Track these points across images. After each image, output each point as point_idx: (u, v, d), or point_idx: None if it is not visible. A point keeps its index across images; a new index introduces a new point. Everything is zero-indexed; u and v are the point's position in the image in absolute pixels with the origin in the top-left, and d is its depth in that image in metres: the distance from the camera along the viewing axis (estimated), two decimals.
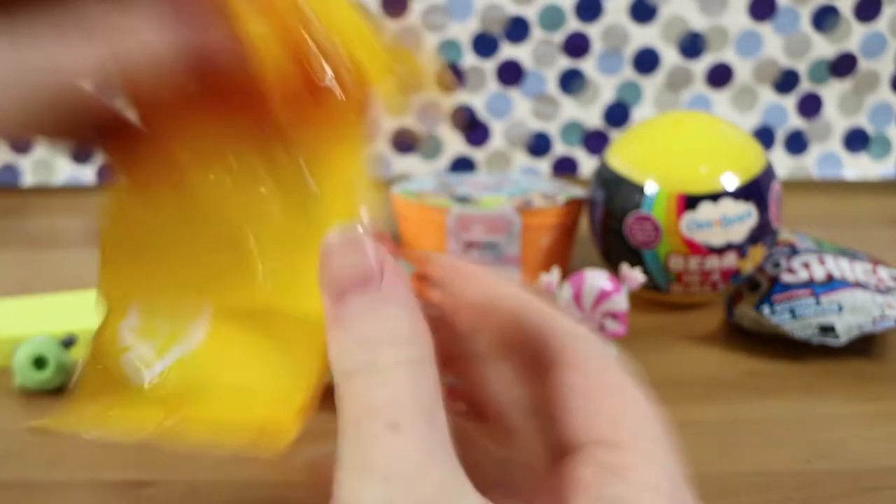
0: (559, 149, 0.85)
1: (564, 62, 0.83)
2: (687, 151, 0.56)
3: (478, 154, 0.85)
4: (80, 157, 0.83)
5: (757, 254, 0.55)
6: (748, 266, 0.55)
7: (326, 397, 0.19)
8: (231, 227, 0.21)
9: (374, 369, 0.18)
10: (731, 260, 0.54)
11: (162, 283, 0.21)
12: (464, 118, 0.83)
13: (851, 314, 0.51)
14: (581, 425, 0.20)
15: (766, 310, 0.52)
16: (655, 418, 0.20)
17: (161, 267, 0.21)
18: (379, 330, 0.18)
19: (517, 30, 0.82)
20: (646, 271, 0.55)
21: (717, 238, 0.54)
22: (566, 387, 0.20)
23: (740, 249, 0.54)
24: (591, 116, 0.84)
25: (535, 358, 0.21)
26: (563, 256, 0.61)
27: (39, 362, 0.47)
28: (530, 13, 0.81)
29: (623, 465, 0.19)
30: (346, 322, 0.18)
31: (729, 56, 0.83)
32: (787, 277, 0.54)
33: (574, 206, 0.61)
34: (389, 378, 0.17)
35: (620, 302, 0.51)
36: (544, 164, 0.86)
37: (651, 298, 0.57)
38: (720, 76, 0.83)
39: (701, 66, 0.83)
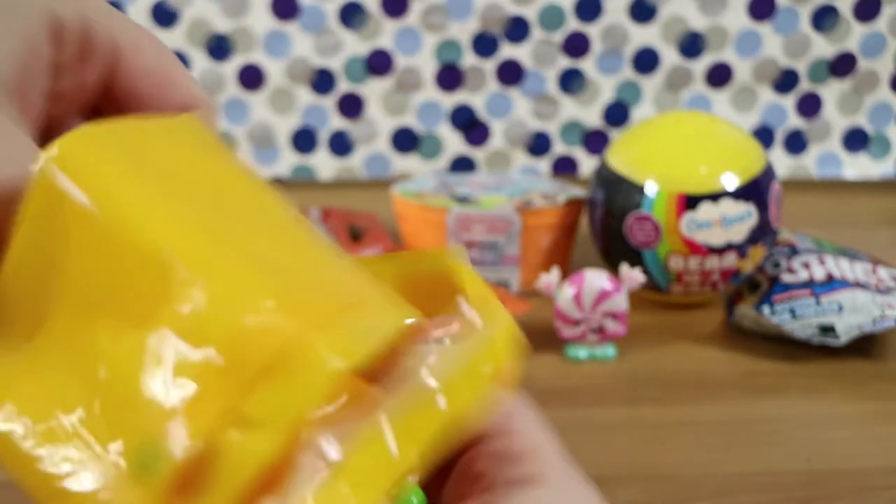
0: (559, 149, 0.85)
1: (564, 62, 0.83)
2: (687, 151, 0.56)
3: (478, 154, 0.85)
4: None
5: (757, 254, 0.55)
6: (748, 266, 0.55)
7: None
8: None
9: None
10: (731, 260, 0.54)
11: None
12: None
13: (851, 314, 0.51)
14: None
15: (766, 310, 0.52)
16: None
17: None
18: None
19: (517, 30, 0.82)
20: (646, 271, 0.55)
21: (717, 238, 0.54)
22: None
23: (740, 249, 0.54)
24: (591, 116, 0.84)
25: None
26: (563, 256, 0.61)
27: None
28: (530, 13, 0.81)
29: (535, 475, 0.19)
30: None
31: (728, 56, 0.83)
32: (787, 277, 0.54)
33: (574, 206, 0.61)
34: None
35: (620, 302, 0.51)
36: (544, 164, 0.86)
37: (651, 298, 0.57)
38: (720, 76, 0.83)
39: (700, 65, 0.83)
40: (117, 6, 0.79)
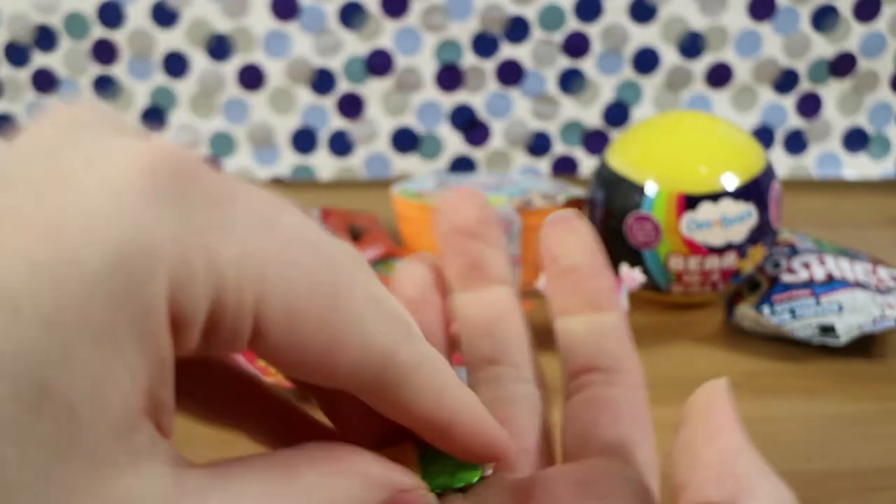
0: (559, 149, 0.85)
1: (564, 62, 0.83)
2: (687, 151, 0.56)
3: (478, 154, 0.85)
4: None
5: (757, 254, 0.55)
6: (748, 266, 0.55)
7: None
8: None
9: None
10: (731, 260, 0.54)
11: None
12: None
13: (851, 314, 0.51)
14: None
15: (766, 310, 0.52)
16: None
17: None
18: None
19: (517, 30, 0.82)
20: (646, 271, 0.55)
21: (717, 238, 0.54)
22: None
23: (740, 249, 0.54)
24: (591, 116, 0.84)
25: None
26: None
27: None
28: (530, 13, 0.81)
29: None
30: None
31: (728, 56, 0.83)
32: (787, 277, 0.54)
33: (574, 206, 0.61)
34: None
35: (620, 302, 0.51)
36: (544, 164, 0.86)
37: (651, 298, 0.57)
38: (720, 76, 0.83)
39: (700, 65, 0.83)
40: (116, 6, 0.79)
